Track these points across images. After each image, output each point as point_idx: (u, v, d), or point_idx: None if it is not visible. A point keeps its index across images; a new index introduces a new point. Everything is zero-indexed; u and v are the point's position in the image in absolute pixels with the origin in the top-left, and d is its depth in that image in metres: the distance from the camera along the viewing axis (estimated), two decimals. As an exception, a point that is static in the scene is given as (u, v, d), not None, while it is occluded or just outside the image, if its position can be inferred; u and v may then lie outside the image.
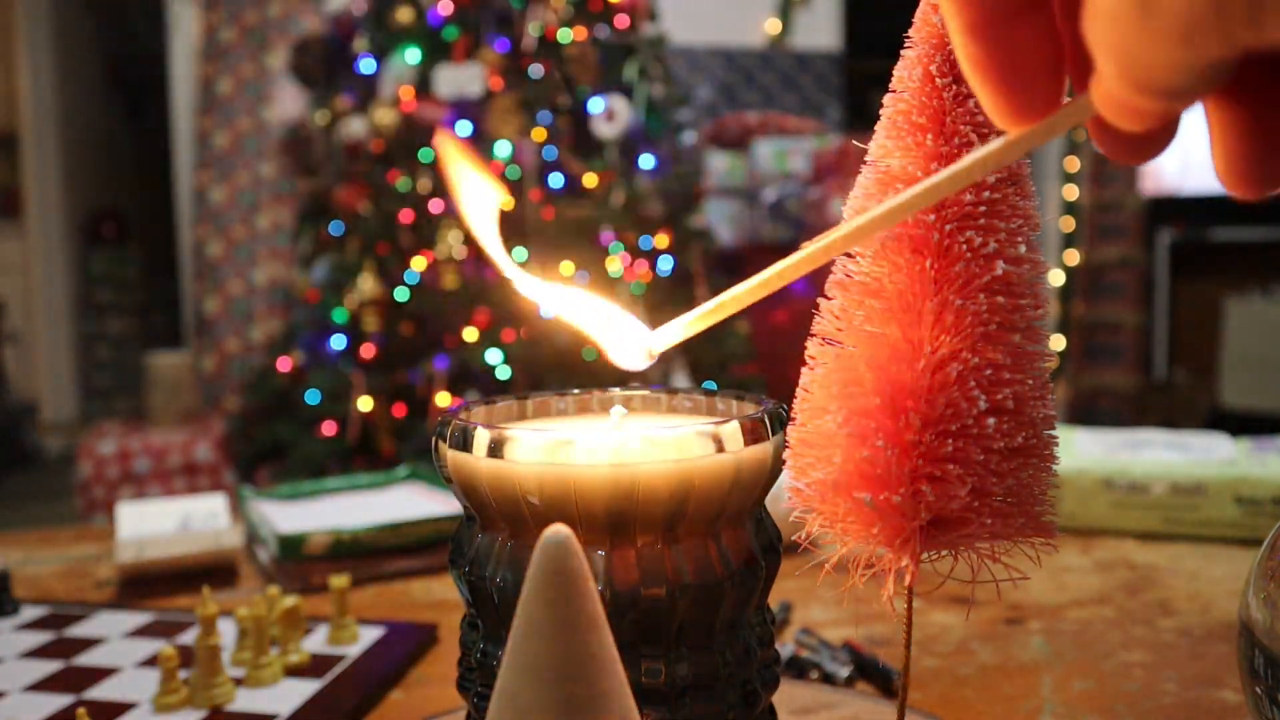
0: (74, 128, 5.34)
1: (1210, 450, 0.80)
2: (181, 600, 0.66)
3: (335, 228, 2.60)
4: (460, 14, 2.57)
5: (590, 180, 2.53)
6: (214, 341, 4.02)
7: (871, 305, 0.31)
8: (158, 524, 0.72)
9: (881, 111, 0.32)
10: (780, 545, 0.36)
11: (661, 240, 2.60)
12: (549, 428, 0.38)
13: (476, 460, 0.32)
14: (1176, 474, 0.76)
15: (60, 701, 0.48)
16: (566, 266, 2.45)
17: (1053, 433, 0.32)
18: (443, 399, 2.36)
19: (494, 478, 0.32)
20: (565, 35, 2.58)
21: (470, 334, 2.40)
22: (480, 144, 2.51)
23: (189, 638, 0.56)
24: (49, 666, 0.53)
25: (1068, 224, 4.52)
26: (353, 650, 0.55)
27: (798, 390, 0.33)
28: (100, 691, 0.50)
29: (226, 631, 0.56)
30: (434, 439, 0.35)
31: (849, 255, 0.32)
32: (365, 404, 2.41)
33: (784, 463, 0.33)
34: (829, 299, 0.32)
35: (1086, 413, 4.44)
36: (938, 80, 0.30)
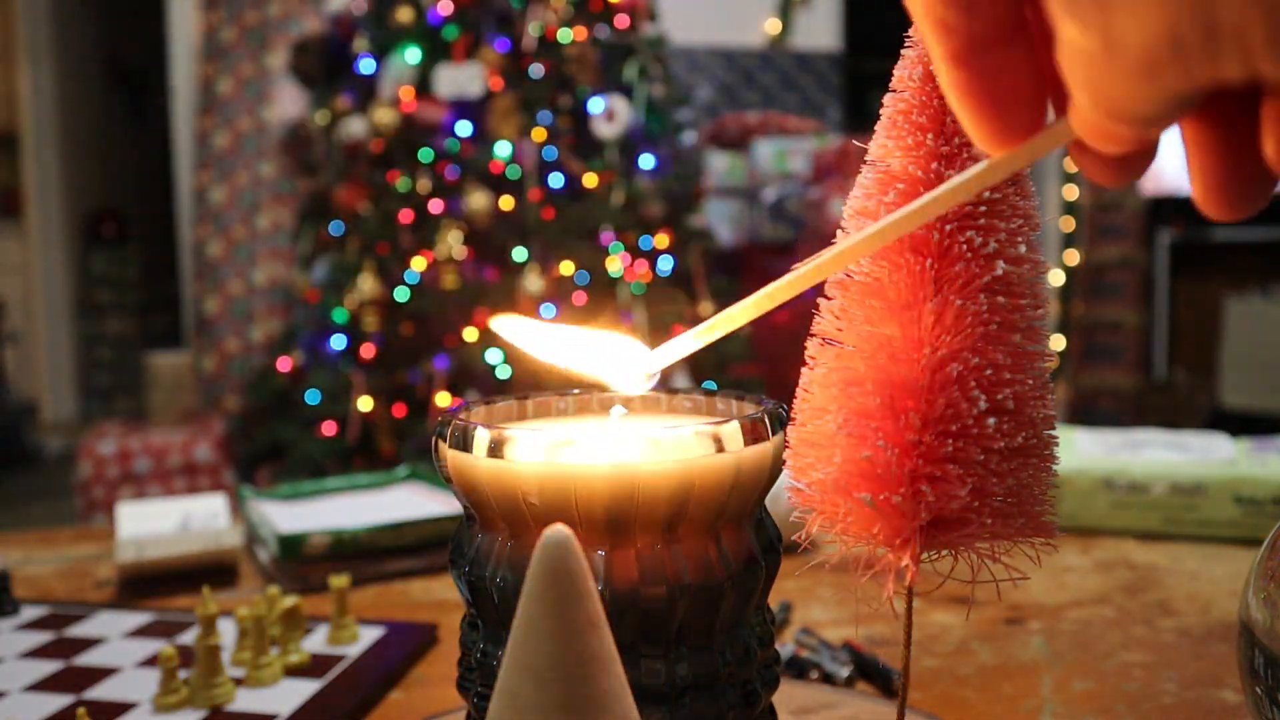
0: (74, 128, 5.34)
1: (1210, 450, 0.80)
2: (181, 600, 0.66)
3: (335, 228, 2.60)
4: (460, 14, 2.57)
5: (590, 180, 2.53)
6: (214, 341, 4.02)
7: (872, 305, 0.31)
8: (158, 524, 0.72)
9: (882, 111, 0.32)
10: (780, 545, 0.36)
11: (661, 240, 2.60)
12: (549, 428, 0.38)
13: (476, 460, 0.32)
14: (1176, 474, 0.76)
15: (60, 701, 0.48)
16: (566, 266, 2.44)
17: (1053, 433, 0.32)
18: (443, 399, 2.36)
19: (494, 478, 0.32)
20: (565, 35, 2.58)
21: (470, 334, 2.40)
22: (480, 144, 2.51)
23: (189, 638, 0.56)
24: (49, 666, 0.53)
25: (1068, 224, 4.52)
26: (353, 650, 0.55)
27: (798, 390, 0.33)
28: (100, 691, 0.50)
29: (226, 631, 0.56)
30: (434, 439, 0.35)
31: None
32: (365, 404, 2.41)
33: (784, 463, 0.33)
34: (829, 299, 0.32)
35: (1086, 413, 4.44)
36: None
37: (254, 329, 4.01)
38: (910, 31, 0.31)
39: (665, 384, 0.35)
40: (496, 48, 2.55)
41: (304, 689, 0.50)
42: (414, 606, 0.65)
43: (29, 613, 0.61)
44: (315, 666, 0.52)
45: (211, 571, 0.71)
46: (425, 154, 2.50)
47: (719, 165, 3.76)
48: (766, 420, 0.33)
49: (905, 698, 0.35)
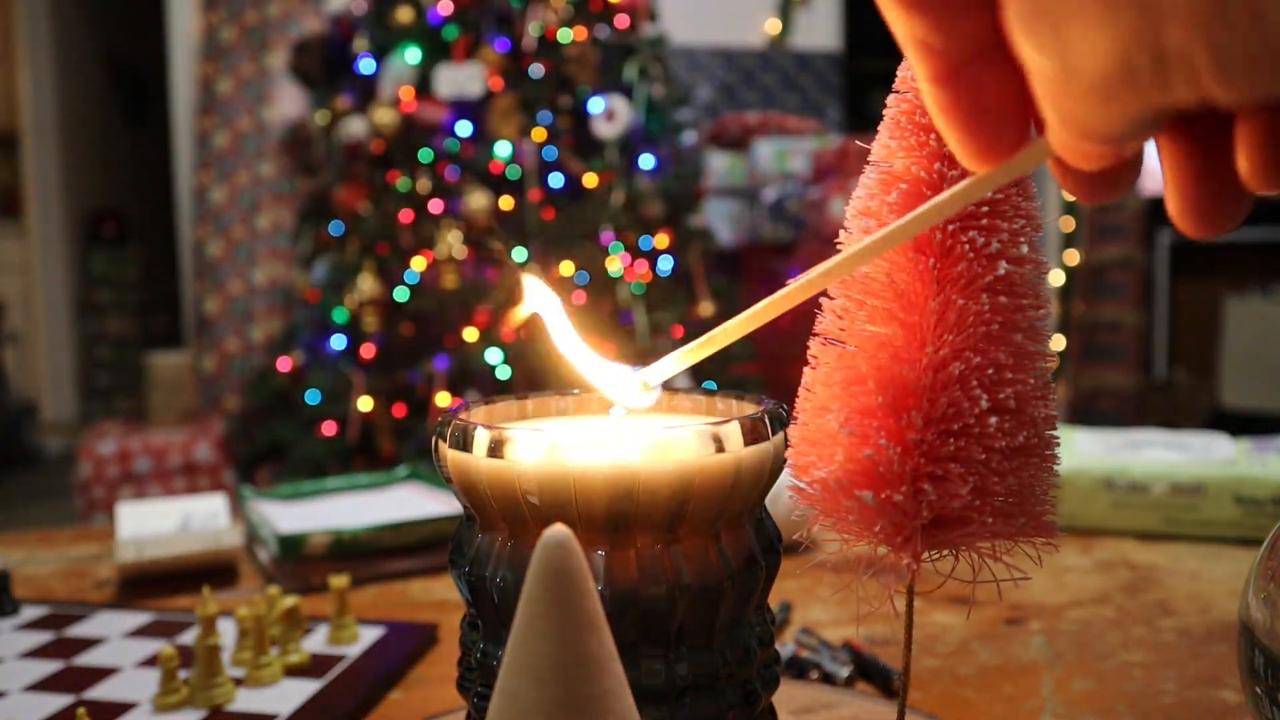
0: (74, 128, 5.34)
1: (1210, 450, 0.80)
2: (181, 600, 0.65)
3: (335, 228, 2.60)
4: (460, 14, 2.57)
5: (590, 180, 2.53)
6: (214, 341, 4.02)
7: (874, 304, 0.31)
8: (158, 524, 0.72)
9: (885, 112, 0.32)
10: (780, 545, 0.36)
11: (661, 240, 2.60)
12: (549, 428, 0.38)
13: (476, 460, 0.32)
14: (1176, 474, 0.76)
15: (60, 701, 0.48)
16: (566, 266, 2.44)
17: (1054, 432, 0.32)
18: (443, 399, 2.35)
19: (494, 478, 0.32)
20: (565, 35, 2.58)
21: (470, 334, 2.40)
22: (480, 144, 2.51)
23: (189, 638, 0.56)
24: (49, 666, 0.53)
25: (1068, 224, 4.52)
26: (353, 650, 0.55)
27: (800, 389, 0.33)
28: (100, 691, 0.50)
29: (226, 631, 0.56)
30: (434, 439, 0.35)
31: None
32: (365, 404, 2.41)
33: (784, 463, 0.33)
34: (831, 298, 0.32)
35: (1086, 413, 4.44)
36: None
37: (254, 329, 4.01)
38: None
39: (665, 384, 0.35)
40: (496, 48, 2.55)
41: (304, 689, 0.50)
42: (414, 606, 0.65)
43: (29, 613, 0.61)
44: (315, 666, 0.52)
45: (211, 571, 0.71)
46: (425, 154, 2.50)
47: (719, 165, 3.75)
48: (767, 420, 0.33)
49: (905, 698, 0.35)
